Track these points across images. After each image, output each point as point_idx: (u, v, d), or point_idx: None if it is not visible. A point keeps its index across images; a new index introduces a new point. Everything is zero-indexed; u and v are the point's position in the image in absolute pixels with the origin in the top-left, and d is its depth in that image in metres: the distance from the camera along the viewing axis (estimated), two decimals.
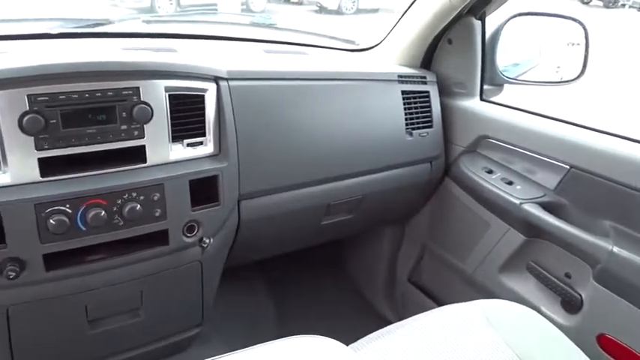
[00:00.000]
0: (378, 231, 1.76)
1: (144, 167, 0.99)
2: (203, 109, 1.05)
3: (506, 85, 1.50)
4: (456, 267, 1.51)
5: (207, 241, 1.08)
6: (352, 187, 1.31)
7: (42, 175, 0.90)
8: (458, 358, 0.90)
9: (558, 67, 1.47)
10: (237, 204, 1.13)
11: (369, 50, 1.60)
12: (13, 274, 0.89)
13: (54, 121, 0.89)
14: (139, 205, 0.96)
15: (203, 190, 1.06)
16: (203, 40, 1.55)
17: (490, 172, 1.37)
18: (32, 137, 0.88)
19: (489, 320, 0.99)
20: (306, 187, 1.23)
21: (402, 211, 1.61)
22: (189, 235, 1.06)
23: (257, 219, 1.18)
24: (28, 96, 0.86)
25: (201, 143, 1.06)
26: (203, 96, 1.05)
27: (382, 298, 1.81)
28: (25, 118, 0.86)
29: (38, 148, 0.89)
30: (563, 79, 1.43)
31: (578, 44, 1.37)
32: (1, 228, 0.87)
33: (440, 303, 1.29)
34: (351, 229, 1.62)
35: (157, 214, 1.00)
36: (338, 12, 9.24)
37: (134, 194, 0.97)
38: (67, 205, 0.91)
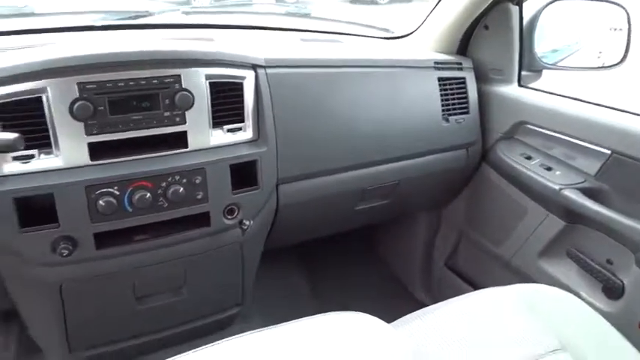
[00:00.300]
0: (414, 217, 1.77)
1: (186, 152, 1.03)
2: (242, 96, 1.08)
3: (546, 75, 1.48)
4: (494, 253, 1.50)
5: (247, 223, 1.11)
6: (388, 173, 1.32)
7: (91, 159, 0.94)
8: (497, 340, 0.90)
9: (600, 53, 1.44)
10: (275, 188, 1.16)
11: (405, 38, 1.60)
12: (67, 251, 0.94)
13: (102, 107, 0.93)
14: (182, 188, 1.00)
15: (243, 174, 1.09)
16: (240, 30, 1.58)
17: (529, 158, 1.36)
18: (82, 123, 0.92)
19: (528, 304, 0.98)
20: (343, 172, 1.25)
21: (439, 197, 1.61)
22: (229, 217, 1.09)
23: (294, 203, 1.21)
24: (78, 84, 0.91)
25: (240, 129, 1.09)
26: (242, 83, 1.07)
27: (419, 283, 1.82)
28: (76, 105, 0.90)
29: (88, 133, 0.93)
30: (604, 65, 1.40)
31: (620, 29, 1.34)
32: (53, 209, 0.92)
33: (477, 288, 1.29)
34: (387, 215, 1.63)
35: (199, 196, 1.03)
36: (372, 2, 9.17)
37: (177, 177, 1.00)
38: (115, 188, 0.95)
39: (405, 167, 1.35)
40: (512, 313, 0.97)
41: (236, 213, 1.10)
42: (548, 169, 1.31)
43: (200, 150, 1.04)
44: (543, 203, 1.30)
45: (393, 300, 1.77)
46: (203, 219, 1.07)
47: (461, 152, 1.44)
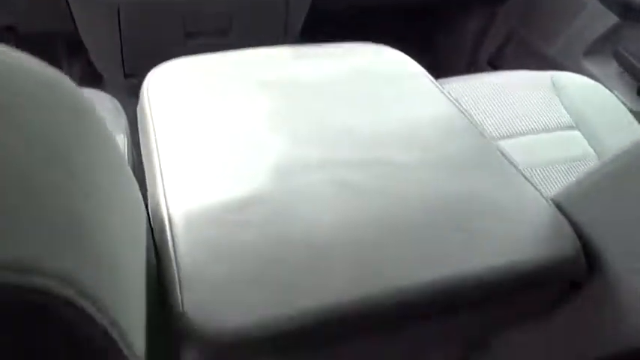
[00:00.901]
0: (469, 9, 1.71)
1: None
2: None
3: None
4: (541, 52, 1.47)
5: None
6: None
7: None
8: (515, 109, 0.96)
9: None
10: None
11: None
12: None
13: None
14: None
15: None
16: None
17: None
18: None
19: (556, 87, 1.01)
20: None
21: None
22: None
23: None
24: None
25: None
26: None
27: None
28: None
29: None
30: None
31: None
32: None
33: None
34: None
35: None
36: None
37: None
38: None
39: None
40: (537, 91, 1.00)
41: None
42: None
43: None
44: None
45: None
46: None
47: None
